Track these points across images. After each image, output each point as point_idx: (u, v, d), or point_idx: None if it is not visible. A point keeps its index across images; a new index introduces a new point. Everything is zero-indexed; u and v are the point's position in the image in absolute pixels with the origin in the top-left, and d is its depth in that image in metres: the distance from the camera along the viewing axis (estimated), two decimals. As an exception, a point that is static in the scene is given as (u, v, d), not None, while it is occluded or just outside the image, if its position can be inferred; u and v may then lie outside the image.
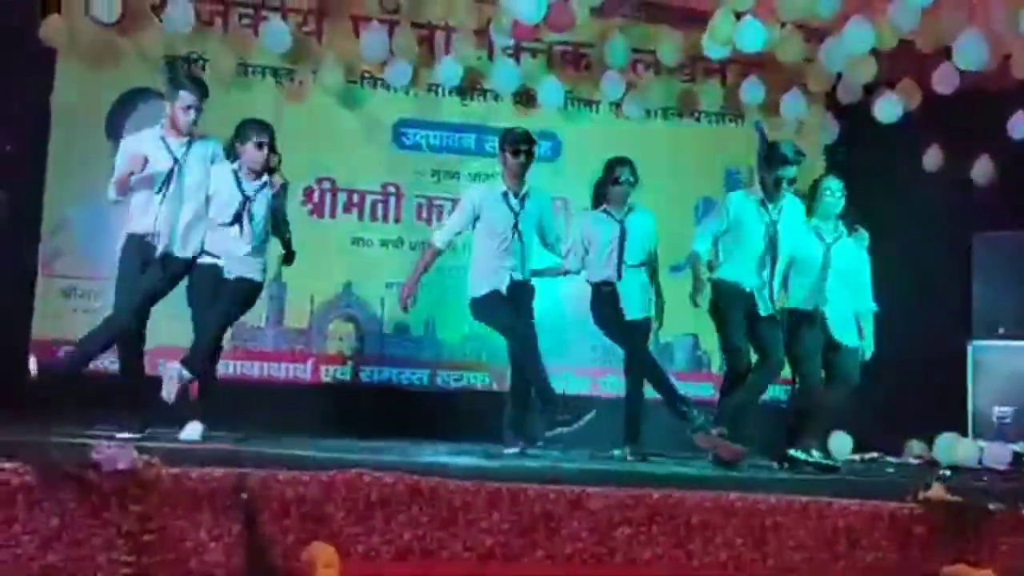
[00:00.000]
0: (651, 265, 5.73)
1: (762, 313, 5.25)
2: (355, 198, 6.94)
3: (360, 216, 6.95)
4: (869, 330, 5.49)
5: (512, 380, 5.54)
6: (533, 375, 5.18)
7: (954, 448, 6.32)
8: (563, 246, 5.63)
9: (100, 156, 6.52)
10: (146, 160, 4.88)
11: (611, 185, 5.58)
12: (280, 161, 5.14)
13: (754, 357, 5.34)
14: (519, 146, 5.35)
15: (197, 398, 5.10)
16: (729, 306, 5.28)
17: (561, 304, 6.39)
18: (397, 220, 6.99)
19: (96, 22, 6.50)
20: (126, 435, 4.57)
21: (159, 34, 6.57)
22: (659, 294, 5.75)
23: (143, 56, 6.61)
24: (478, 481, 3.77)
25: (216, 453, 4.06)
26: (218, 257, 5.05)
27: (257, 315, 6.24)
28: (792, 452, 5.19)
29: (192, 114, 5.01)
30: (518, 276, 5.32)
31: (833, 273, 5.36)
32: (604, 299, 5.54)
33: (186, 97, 5.00)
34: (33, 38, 6.29)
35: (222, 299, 5.04)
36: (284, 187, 5.19)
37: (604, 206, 5.62)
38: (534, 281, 5.50)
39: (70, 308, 6.46)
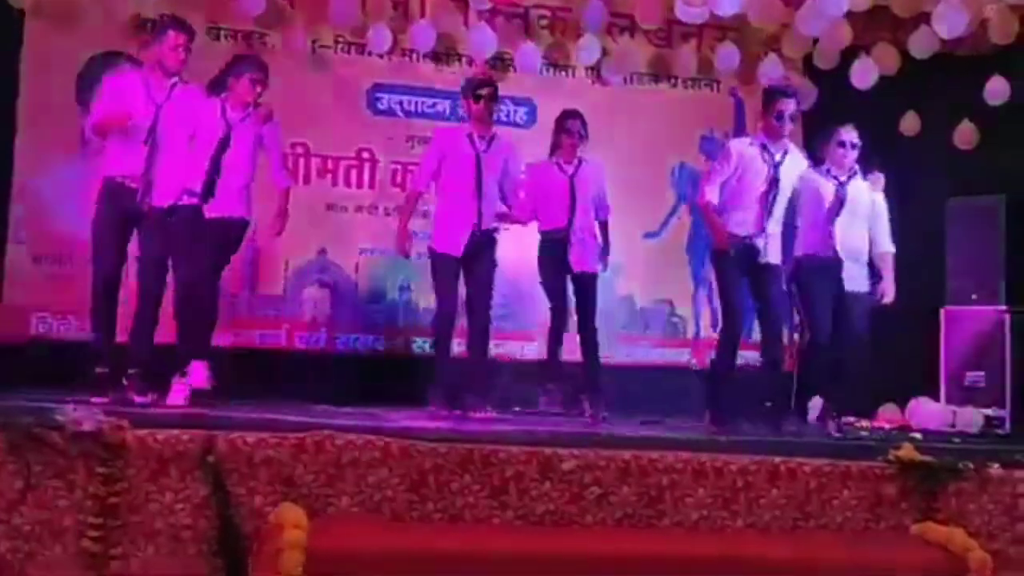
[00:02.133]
0: (601, 216, 5.75)
1: (763, 262, 5.17)
2: (329, 164, 6.87)
3: (334, 182, 6.89)
4: (889, 275, 5.29)
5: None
6: (438, 355, 5.40)
7: (926, 412, 6.36)
8: (518, 203, 5.69)
9: (70, 120, 6.45)
10: (129, 116, 4.79)
11: (563, 135, 5.60)
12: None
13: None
14: (480, 90, 5.40)
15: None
16: (726, 259, 5.19)
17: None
18: (371, 186, 6.93)
19: (63, -17, 6.38)
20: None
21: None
22: (606, 242, 5.77)
23: (113, 19, 6.49)
24: (449, 443, 3.77)
25: (184, 417, 4.03)
26: (197, 194, 4.82)
27: (231, 281, 6.19)
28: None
29: (182, 52, 4.92)
30: (478, 227, 5.34)
31: (846, 216, 5.18)
32: (552, 247, 5.58)
33: (173, 35, 4.93)
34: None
35: (205, 243, 4.82)
36: (270, 114, 5.00)
37: (554, 157, 5.62)
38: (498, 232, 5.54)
39: (41, 274, 6.39)
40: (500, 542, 3.54)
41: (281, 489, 3.55)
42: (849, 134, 5.23)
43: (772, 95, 5.31)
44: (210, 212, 4.84)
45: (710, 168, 5.48)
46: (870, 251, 5.29)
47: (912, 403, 6.43)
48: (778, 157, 5.19)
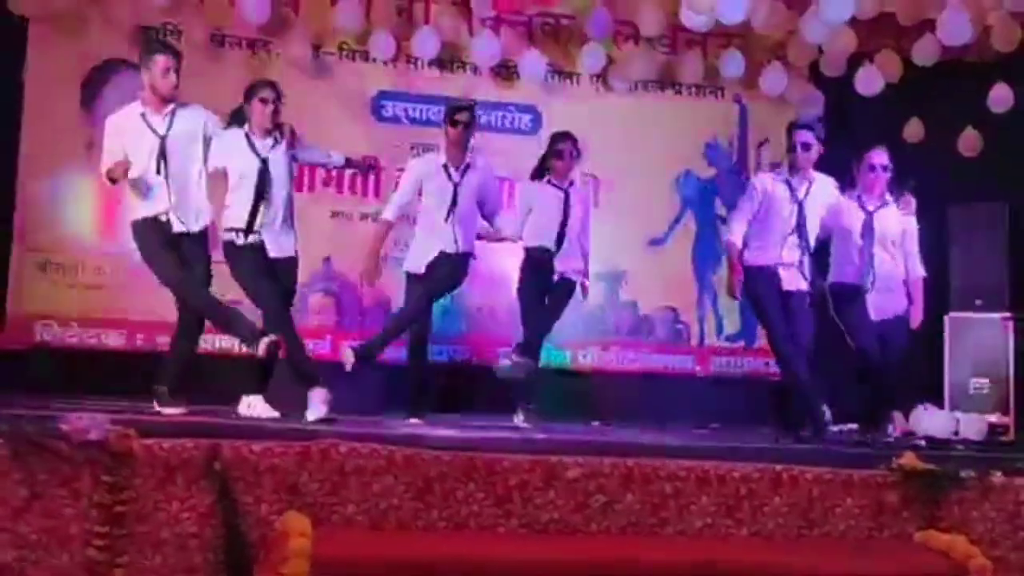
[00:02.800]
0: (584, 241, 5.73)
1: (787, 289, 5.21)
2: (334, 172, 6.86)
3: (339, 190, 6.90)
4: (918, 300, 5.36)
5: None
6: (413, 368, 5.49)
7: (930, 419, 6.35)
8: (504, 222, 5.69)
9: (74, 127, 6.48)
10: (129, 165, 4.70)
11: (554, 159, 5.60)
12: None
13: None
14: (456, 115, 5.40)
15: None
16: (763, 293, 5.25)
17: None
18: (376, 194, 6.94)
19: (69, -8, 6.41)
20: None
21: (133, 3, 6.49)
22: (586, 254, 5.75)
23: (117, 26, 6.52)
24: (453, 451, 3.78)
25: (190, 425, 4.04)
26: (253, 232, 4.91)
27: (236, 289, 6.20)
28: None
29: (172, 76, 4.82)
30: (451, 250, 5.32)
31: (877, 242, 5.23)
32: (536, 264, 5.56)
33: (161, 60, 4.82)
34: (3, 7, 6.19)
35: (277, 279, 4.96)
36: (293, 133, 5.02)
37: (548, 177, 5.63)
38: (478, 251, 5.56)
39: (46, 282, 6.41)
40: (505, 550, 3.54)
41: (286, 497, 3.56)
42: (880, 157, 5.24)
43: (792, 127, 5.37)
44: (277, 250, 4.99)
45: (736, 206, 5.49)
46: (904, 274, 5.35)
47: (916, 410, 6.42)
48: (802, 192, 5.23)
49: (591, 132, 5.68)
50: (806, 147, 5.21)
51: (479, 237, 5.57)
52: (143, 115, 4.84)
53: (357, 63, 6.98)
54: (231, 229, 4.94)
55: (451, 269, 5.35)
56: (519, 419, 5.37)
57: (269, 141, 4.96)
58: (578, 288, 5.64)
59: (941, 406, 6.52)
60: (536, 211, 5.58)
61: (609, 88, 7.26)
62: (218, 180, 5.01)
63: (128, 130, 4.84)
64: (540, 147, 6.99)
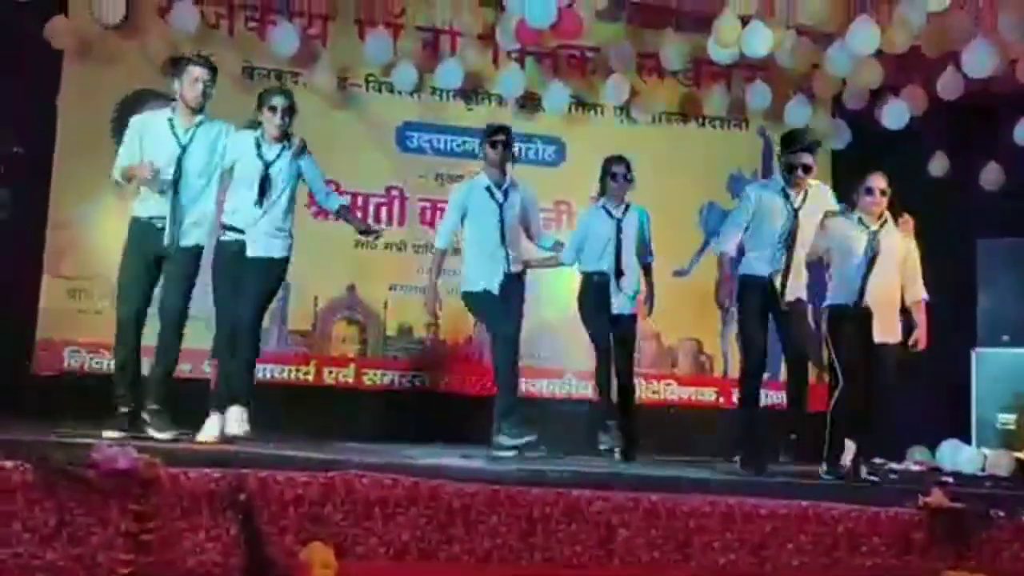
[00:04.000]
0: (644, 261, 5.75)
1: (782, 301, 5.19)
2: (359, 200, 6.95)
3: (364, 219, 6.93)
4: (922, 322, 5.13)
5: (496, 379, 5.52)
6: (503, 380, 5.28)
7: (957, 455, 6.31)
8: (546, 238, 5.75)
9: (105, 157, 6.53)
10: (154, 169, 4.75)
11: (610, 180, 5.62)
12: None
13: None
14: (495, 137, 5.44)
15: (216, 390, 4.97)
16: (748, 299, 5.26)
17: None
18: (401, 223, 7.01)
19: (101, 24, 6.52)
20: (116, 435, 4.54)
21: (164, 36, 6.59)
22: (650, 286, 5.76)
23: (148, 58, 6.62)
24: (477, 484, 3.78)
25: (215, 454, 4.07)
26: (242, 232, 4.88)
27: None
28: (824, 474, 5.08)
29: (200, 86, 4.87)
30: (507, 269, 5.39)
31: (878, 265, 5.08)
32: (595, 289, 5.58)
33: (195, 71, 4.88)
34: (39, 40, 6.31)
35: (248, 282, 4.85)
36: (303, 145, 5.03)
37: (603, 201, 5.67)
38: (528, 274, 5.61)
39: (75, 309, 6.48)
40: (527, 584, 3.53)
41: (310, 528, 3.56)
42: (878, 181, 5.17)
43: (788, 139, 5.38)
44: (257, 249, 4.88)
45: (730, 215, 5.49)
46: (903, 298, 5.19)
47: (943, 445, 6.38)
48: (797, 201, 5.23)
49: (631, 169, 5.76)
50: (807, 169, 5.20)
51: (527, 264, 5.61)
52: (170, 120, 4.91)
53: (383, 94, 7.06)
54: (222, 226, 4.94)
55: (520, 289, 5.45)
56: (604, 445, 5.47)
57: (276, 148, 4.96)
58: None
59: (968, 441, 6.47)
60: (591, 237, 5.62)
61: (633, 120, 7.30)
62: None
63: (152, 132, 4.89)
64: (564, 178, 7.09)
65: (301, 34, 6.74)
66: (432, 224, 6.87)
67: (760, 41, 6.23)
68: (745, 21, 6.22)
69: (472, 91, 7.14)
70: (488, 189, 5.43)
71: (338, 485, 3.64)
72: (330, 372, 6.82)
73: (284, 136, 4.97)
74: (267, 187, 4.88)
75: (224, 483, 3.52)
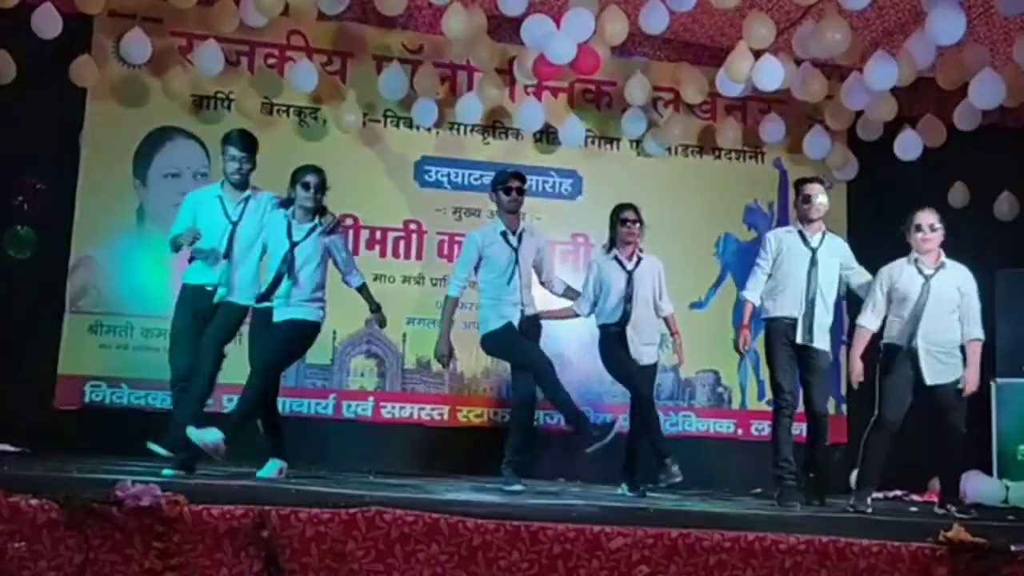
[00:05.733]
0: (659, 314, 5.69)
1: (804, 342, 5.33)
2: (377, 235, 7.00)
3: (382, 253, 7.01)
4: (975, 363, 5.17)
5: (512, 417, 5.64)
6: (557, 399, 5.28)
7: (978, 487, 6.26)
8: (558, 282, 5.81)
9: (127, 194, 6.66)
10: (198, 235, 5.14)
11: (619, 227, 5.62)
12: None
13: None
14: (508, 183, 5.51)
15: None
16: (775, 343, 5.40)
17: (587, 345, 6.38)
18: (419, 257, 7.05)
19: (125, 63, 6.62)
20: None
21: (187, 74, 6.68)
22: (674, 334, 5.74)
23: (171, 95, 6.71)
24: (497, 519, 3.78)
25: (237, 490, 4.09)
26: (272, 302, 5.18)
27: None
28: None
29: (236, 164, 5.26)
30: (523, 313, 5.45)
31: (932, 308, 5.12)
32: (612, 340, 5.57)
33: (230, 150, 5.29)
34: (63, 78, 6.40)
35: (269, 341, 5.15)
36: (336, 222, 5.29)
37: (615, 251, 5.64)
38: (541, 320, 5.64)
39: (96, 344, 6.54)
40: (548, 620, 3.52)
41: (332, 564, 3.56)
42: (927, 217, 5.19)
43: (800, 182, 5.60)
44: (281, 315, 5.15)
45: (754, 264, 5.58)
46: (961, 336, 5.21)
47: (964, 477, 6.33)
48: (815, 241, 5.40)
49: (631, 197, 5.73)
50: (812, 200, 5.39)
51: (540, 317, 5.61)
52: (220, 198, 5.31)
53: (401, 128, 7.12)
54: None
55: (536, 333, 5.53)
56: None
57: (307, 225, 5.19)
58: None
59: (989, 473, 6.43)
60: (605, 289, 5.58)
61: (649, 153, 7.34)
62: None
63: (205, 208, 5.29)
64: (581, 211, 7.11)
65: (320, 70, 6.82)
66: (450, 258, 6.90)
67: (772, 76, 6.26)
68: (758, 55, 6.26)
69: (490, 126, 7.19)
70: (503, 235, 5.49)
71: (360, 521, 3.64)
72: (348, 406, 6.84)
73: (317, 210, 5.20)
74: (292, 265, 5.14)
75: (246, 519, 3.53)
